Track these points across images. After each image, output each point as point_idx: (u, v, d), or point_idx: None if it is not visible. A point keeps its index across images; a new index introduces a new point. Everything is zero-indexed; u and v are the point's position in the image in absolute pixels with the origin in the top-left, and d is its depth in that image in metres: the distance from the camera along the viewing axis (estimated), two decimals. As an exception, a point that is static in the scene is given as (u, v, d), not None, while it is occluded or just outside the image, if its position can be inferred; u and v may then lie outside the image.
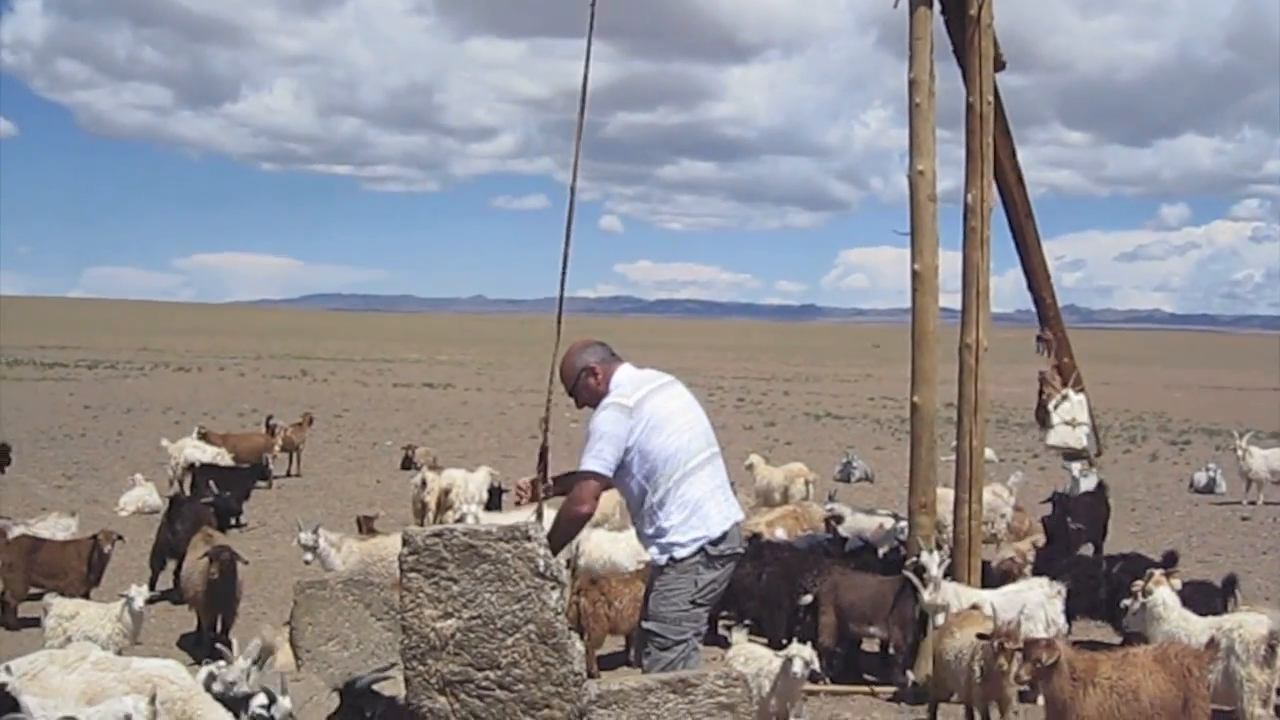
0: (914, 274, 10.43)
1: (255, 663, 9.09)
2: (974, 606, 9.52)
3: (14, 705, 6.27)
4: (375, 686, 6.55)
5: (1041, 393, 12.64)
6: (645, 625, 6.87)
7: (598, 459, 6.73)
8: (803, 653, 8.45)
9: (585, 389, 7.02)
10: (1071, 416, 12.45)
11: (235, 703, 7.14)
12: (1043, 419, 12.75)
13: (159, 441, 21.28)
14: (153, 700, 6.67)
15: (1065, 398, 12.46)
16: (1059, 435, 12.57)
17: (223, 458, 20.37)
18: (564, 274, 8.20)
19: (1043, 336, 12.59)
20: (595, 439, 6.77)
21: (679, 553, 6.75)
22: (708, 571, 6.79)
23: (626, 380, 6.97)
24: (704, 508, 6.82)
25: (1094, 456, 13.98)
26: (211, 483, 16.47)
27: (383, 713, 6.29)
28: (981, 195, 10.49)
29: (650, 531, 6.87)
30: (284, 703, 6.86)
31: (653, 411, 6.82)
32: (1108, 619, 11.04)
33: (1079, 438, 12.58)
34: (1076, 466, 18.61)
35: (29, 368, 54.71)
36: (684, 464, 6.79)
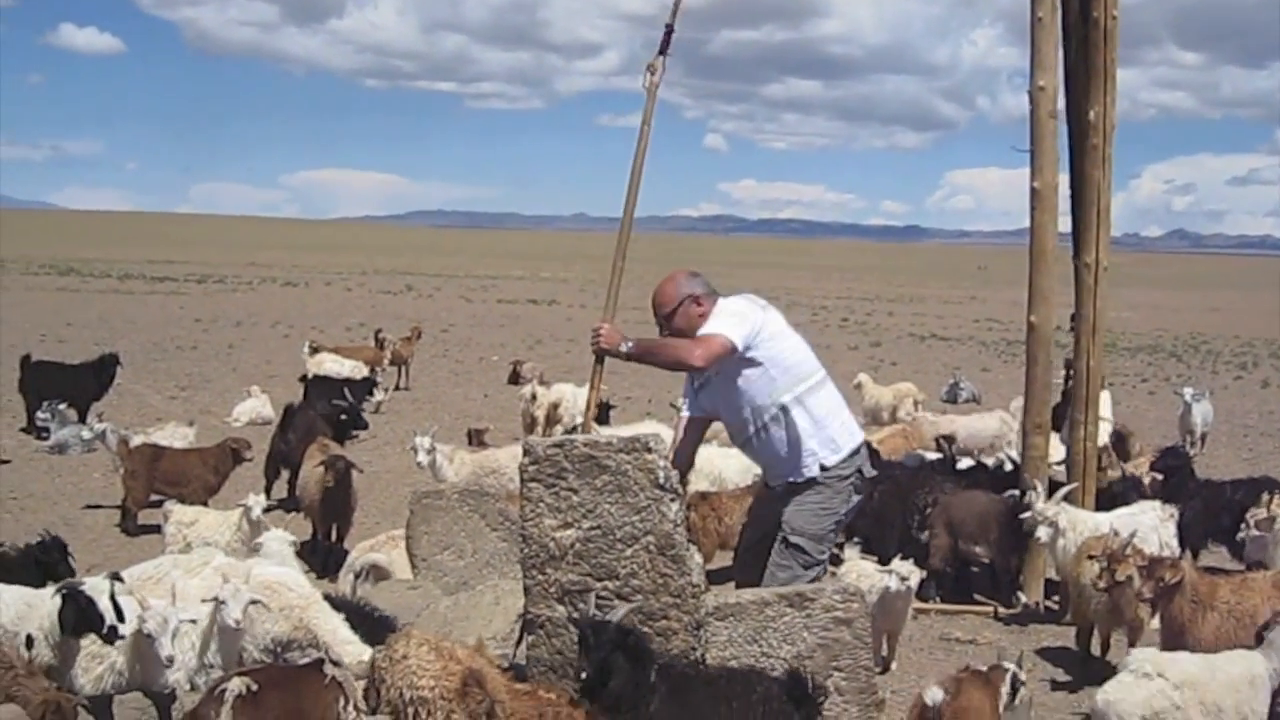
0: (1033, 191, 10.22)
1: (359, 578, 9.30)
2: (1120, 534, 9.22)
3: (98, 614, 6.43)
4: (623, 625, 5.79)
5: (1067, 380, 11.92)
6: (793, 540, 6.60)
7: (732, 329, 6.45)
8: (900, 569, 8.39)
9: (684, 316, 6.68)
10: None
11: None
12: (1059, 415, 12.10)
13: (269, 356, 21.55)
14: (226, 580, 6.84)
15: None
16: None
17: (360, 371, 20.64)
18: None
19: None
20: (726, 315, 6.54)
21: (830, 459, 6.57)
22: (855, 495, 6.70)
23: (739, 297, 6.80)
24: (849, 422, 6.74)
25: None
26: (346, 392, 16.54)
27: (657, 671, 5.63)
28: (1104, 111, 10.23)
29: (814, 442, 6.58)
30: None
31: (775, 319, 6.66)
32: (1228, 545, 10.80)
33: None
34: (1189, 391, 18.31)
35: (139, 281, 55.71)
36: (811, 374, 6.64)
